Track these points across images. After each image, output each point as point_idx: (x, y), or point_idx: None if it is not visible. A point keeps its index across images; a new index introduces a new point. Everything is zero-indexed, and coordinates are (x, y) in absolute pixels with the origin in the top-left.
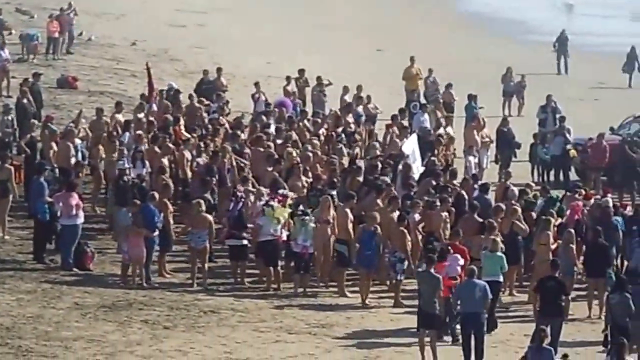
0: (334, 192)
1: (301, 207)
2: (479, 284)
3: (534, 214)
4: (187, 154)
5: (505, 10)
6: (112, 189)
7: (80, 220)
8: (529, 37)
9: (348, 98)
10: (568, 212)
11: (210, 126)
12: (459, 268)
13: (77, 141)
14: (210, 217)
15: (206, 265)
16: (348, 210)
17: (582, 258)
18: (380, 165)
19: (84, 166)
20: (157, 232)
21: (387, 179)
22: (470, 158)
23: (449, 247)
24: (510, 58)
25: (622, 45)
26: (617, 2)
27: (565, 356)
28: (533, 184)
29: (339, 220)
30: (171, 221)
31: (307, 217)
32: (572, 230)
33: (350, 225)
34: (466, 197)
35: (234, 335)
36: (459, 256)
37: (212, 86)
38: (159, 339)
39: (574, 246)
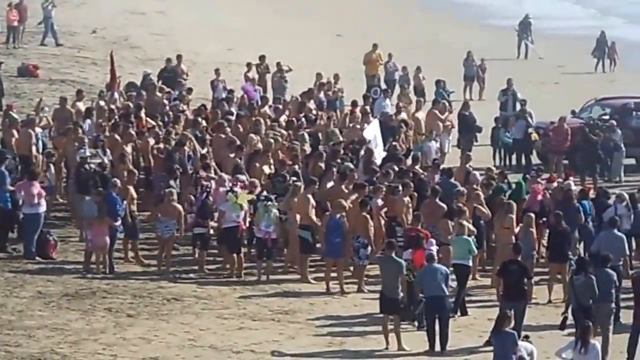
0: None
1: (265, 193)
2: (439, 268)
3: (504, 199)
4: (152, 142)
5: None
6: (73, 177)
7: (43, 208)
8: (490, 22)
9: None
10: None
11: (171, 113)
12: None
13: (38, 130)
14: (180, 207)
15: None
16: (310, 196)
17: (544, 242)
18: (342, 151)
19: (54, 155)
20: (119, 221)
21: (350, 165)
22: (431, 143)
23: (419, 233)
24: (472, 42)
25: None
26: None
27: (526, 337)
28: (494, 168)
29: (302, 206)
30: (134, 208)
31: (270, 203)
32: (532, 214)
33: (312, 211)
34: (435, 180)
35: (197, 323)
36: (433, 241)
37: (174, 74)
38: (123, 327)
39: (533, 230)
